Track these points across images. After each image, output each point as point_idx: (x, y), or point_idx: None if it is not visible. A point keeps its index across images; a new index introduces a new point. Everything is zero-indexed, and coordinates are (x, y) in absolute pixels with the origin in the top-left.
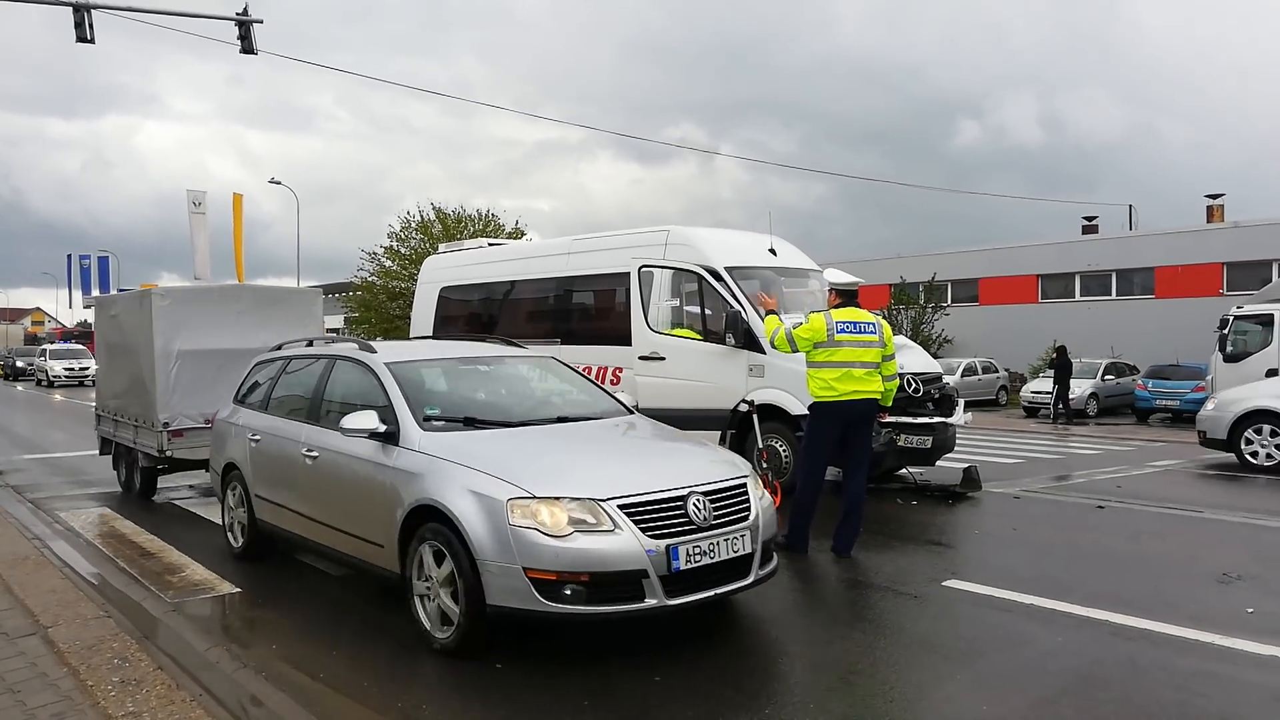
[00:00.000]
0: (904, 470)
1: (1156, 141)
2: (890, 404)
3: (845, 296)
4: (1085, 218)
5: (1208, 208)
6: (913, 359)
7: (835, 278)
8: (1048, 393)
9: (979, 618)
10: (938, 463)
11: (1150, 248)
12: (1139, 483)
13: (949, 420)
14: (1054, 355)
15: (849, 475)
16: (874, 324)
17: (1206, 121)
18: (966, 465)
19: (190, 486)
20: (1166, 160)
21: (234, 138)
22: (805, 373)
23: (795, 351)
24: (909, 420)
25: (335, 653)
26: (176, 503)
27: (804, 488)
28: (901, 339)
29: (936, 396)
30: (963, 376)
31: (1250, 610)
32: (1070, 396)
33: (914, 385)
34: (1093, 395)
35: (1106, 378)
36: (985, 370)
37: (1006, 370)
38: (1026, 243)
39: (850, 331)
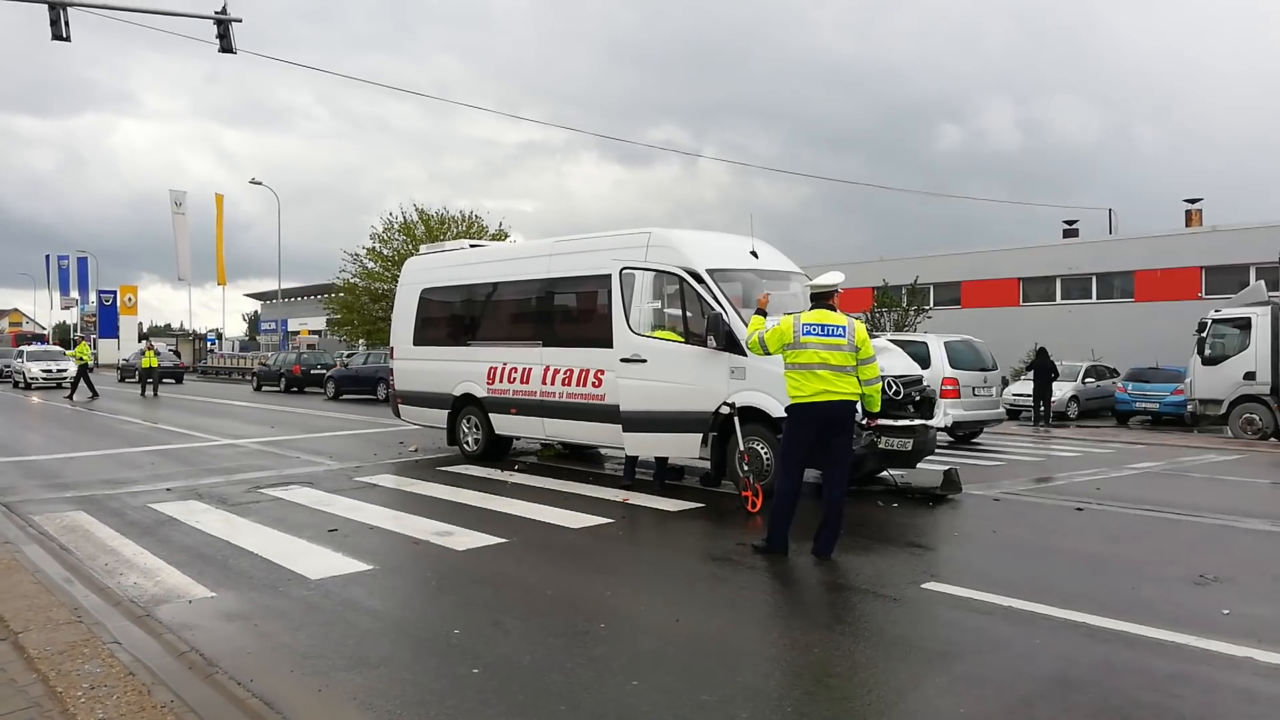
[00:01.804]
0: (885, 473)
1: (1133, 145)
2: (877, 409)
3: (816, 299)
4: (1065, 221)
5: (1186, 212)
6: (893, 361)
7: (817, 279)
8: (1029, 395)
9: (957, 620)
10: (918, 465)
11: (1130, 251)
12: (1118, 485)
13: (929, 423)
14: (1034, 357)
15: (828, 478)
16: (843, 326)
17: (1182, 126)
18: (947, 467)
19: (167, 489)
20: (1144, 164)
21: (211, 136)
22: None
23: (768, 354)
24: (889, 423)
25: (308, 658)
26: (153, 506)
27: (781, 491)
28: (882, 341)
29: (917, 399)
30: None
31: (1226, 612)
32: (1052, 399)
33: (894, 388)
34: (1073, 398)
35: (1087, 380)
36: None
37: None
38: (1008, 246)
39: (816, 334)
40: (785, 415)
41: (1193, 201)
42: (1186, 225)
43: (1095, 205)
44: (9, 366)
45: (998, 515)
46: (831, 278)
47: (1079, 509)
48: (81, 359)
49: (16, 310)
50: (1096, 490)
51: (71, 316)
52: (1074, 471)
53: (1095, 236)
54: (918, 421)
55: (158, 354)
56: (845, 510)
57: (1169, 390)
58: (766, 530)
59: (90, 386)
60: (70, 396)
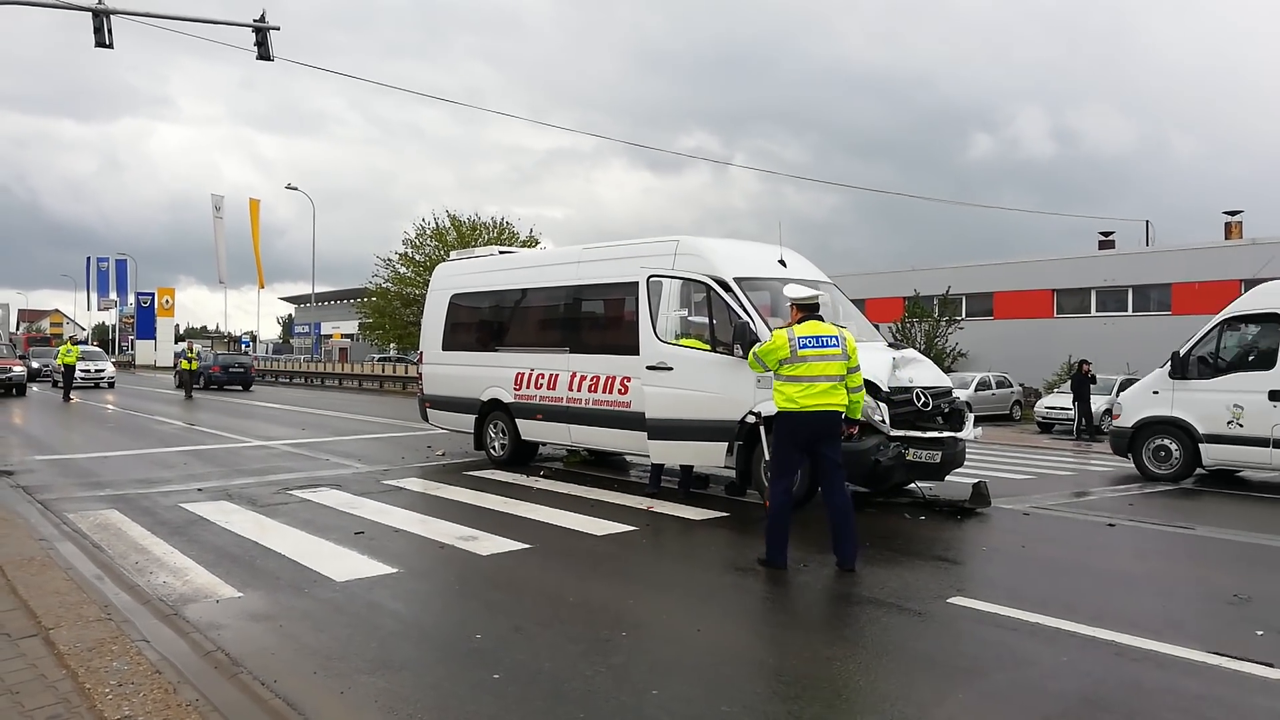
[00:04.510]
0: (912, 485)
1: (1171, 156)
2: (858, 416)
3: (806, 310)
4: (1101, 233)
5: (1226, 224)
6: (923, 373)
7: (794, 292)
8: (1063, 408)
9: (983, 636)
10: (947, 478)
11: (1167, 264)
12: (1152, 501)
13: (959, 435)
14: (1075, 370)
15: (828, 491)
16: (837, 337)
17: (1221, 136)
18: (976, 480)
19: (199, 489)
20: (1182, 175)
21: (245, 141)
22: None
23: (766, 370)
24: (918, 435)
25: (332, 660)
26: (183, 506)
27: (776, 504)
28: (911, 352)
29: (946, 411)
30: (977, 391)
31: (1260, 633)
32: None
33: (924, 399)
34: (1107, 411)
35: (1122, 394)
36: (999, 385)
37: (1021, 385)
38: (1042, 256)
39: (813, 346)
40: (775, 425)
41: (1233, 213)
42: (1226, 237)
43: (1132, 216)
44: (48, 366)
45: (1027, 530)
46: (811, 290)
47: (1110, 525)
48: (65, 361)
49: (57, 311)
50: (1129, 506)
51: (110, 318)
52: (1107, 487)
53: (1132, 248)
54: (946, 433)
55: (199, 357)
56: (855, 517)
57: None
58: (766, 544)
59: (68, 387)
60: (65, 397)
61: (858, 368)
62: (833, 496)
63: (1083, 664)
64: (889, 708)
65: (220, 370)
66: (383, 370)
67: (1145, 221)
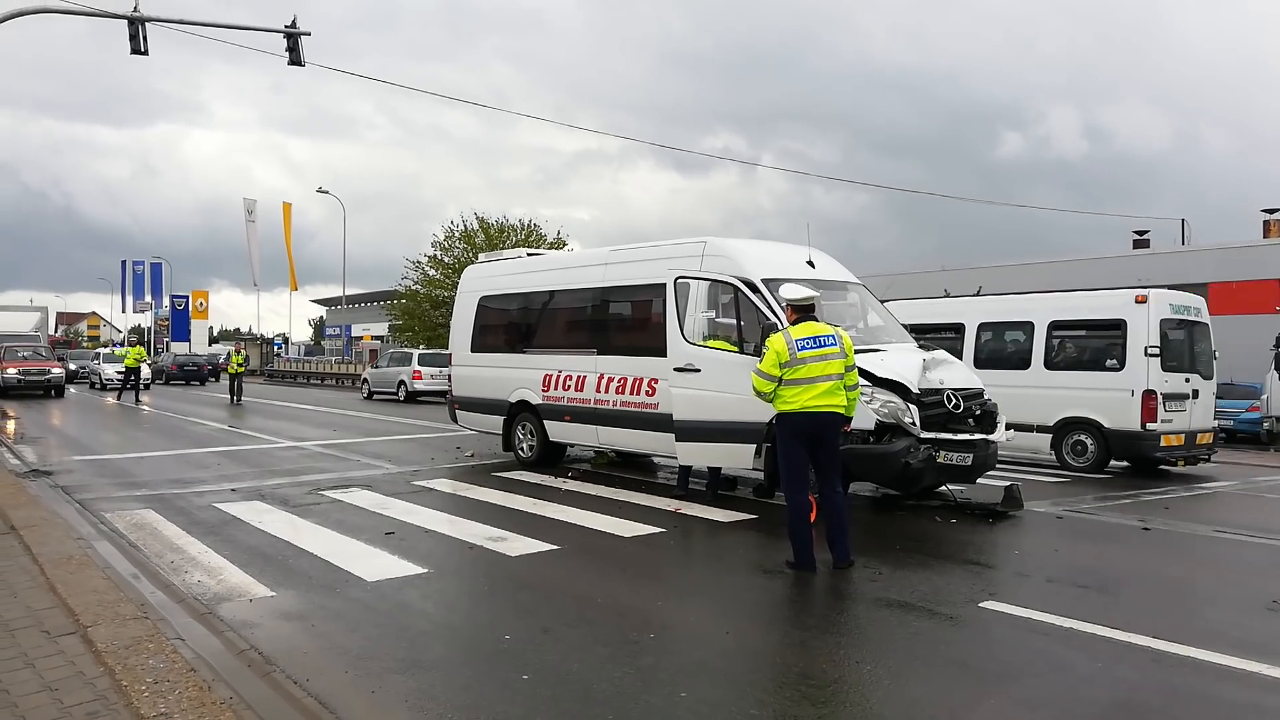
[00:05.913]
0: (944, 487)
1: (1206, 152)
2: (854, 414)
3: (802, 311)
4: (1136, 231)
5: (1264, 222)
6: (954, 374)
7: (790, 293)
8: None
9: (1016, 640)
10: (978, 480)
11: (1204, 263)
12: (1187, 504)
13: (990, 437)
14: None
15: (825, 490)
16: (834, 336)
17: (1259, 131)
18: (1008, 483)
19: (232, 490)
20: (1218, 172)
21: (276, 146)
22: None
23: (773, 381)
24: (949, 437)
25: (363, 659)
26: (217, 506)
27: (794, 507)
28: (942, 353)
29: (978, 413)
30: None
31: None
32: None
33: (955, 401)
34: None
35: None
36: None
37: None
38: (1074, 256)
39: (811, 347)
40: (776, 427)
41: (1271, 211)
42: (1265, 235)
43: (1167, 214)
44: (86, 367)
45: (1060, 533)
46: (807, 290)
47: (1145, 528)
48: (132, 362)
49: (94, 313)
50: (1165, 510)
51: (146, 320)
52: (1141, 489)
53: (1167, 247)
54: (978, 436)
55: (247, 360)
56: (849, 514)
57: (1244, 407)
58: (792, 549)
59: (135, 390)
60: (119, 397)
61: (854, 366)
62: (831, 494)
63: (1118, 670)
64: (919, 713)
65: (178, 369)
66: None
67: (1181, 219)
